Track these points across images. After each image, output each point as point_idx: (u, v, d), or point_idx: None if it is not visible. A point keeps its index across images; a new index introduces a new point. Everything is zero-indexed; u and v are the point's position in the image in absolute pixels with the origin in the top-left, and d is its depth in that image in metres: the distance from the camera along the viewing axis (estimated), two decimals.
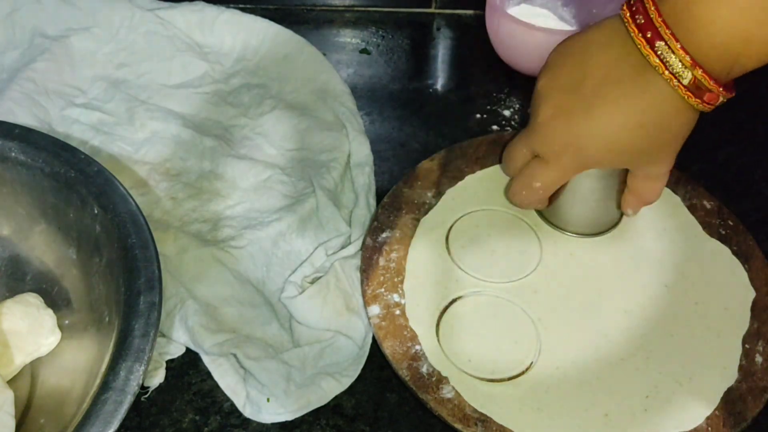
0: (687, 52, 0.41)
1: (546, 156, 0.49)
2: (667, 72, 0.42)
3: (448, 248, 0.54)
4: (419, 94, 0.69)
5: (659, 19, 0.42)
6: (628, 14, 0.43)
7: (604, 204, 0.53)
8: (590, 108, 0.46)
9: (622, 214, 0.56)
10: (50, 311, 0.46)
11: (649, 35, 0.42)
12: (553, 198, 0.53)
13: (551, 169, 0.49)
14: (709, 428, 0.45)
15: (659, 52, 0.42)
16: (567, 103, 0.47)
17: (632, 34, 0.43)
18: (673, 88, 0.43)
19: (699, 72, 0.41)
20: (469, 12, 0.77)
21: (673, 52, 0.41)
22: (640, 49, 0.43)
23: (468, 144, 0.61)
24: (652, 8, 0.42)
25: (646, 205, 0.53)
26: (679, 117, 0.44)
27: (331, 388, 0.47)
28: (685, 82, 0.42)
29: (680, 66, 0.42)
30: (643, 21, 0.42)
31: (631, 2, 0.43)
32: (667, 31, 0.41)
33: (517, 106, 0.67)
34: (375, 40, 0.74)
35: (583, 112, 0.46)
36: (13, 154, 0.47)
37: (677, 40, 0.41)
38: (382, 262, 0.52)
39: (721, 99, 0.43)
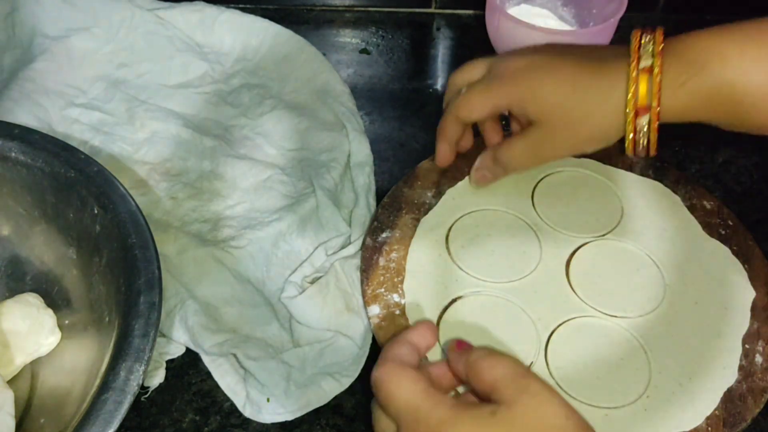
0: (662, 49, 0.44)
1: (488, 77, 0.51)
2: (634, 46, 0.44)
3: (448, 248, 0.54)
4: (419, 94, 0.69)
5: (660, 36, 0.45)
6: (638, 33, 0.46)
7: None
8: (552, 61, 0.49)
9: (621, 216, 0.56)
10: (50, 311, 0.46)
11: (641, 33, 0.45)
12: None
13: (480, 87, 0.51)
14: (709, 428, 0.45)
15: (642, 40, 0.45)
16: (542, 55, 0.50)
17: (632, 38, 0.46)
18: (629, 70, 0.44)
19: (657, 67, 0.43)
20: (469, 12, 0.77)
21: (654, 42, 0.44)
22: (630, 41, 0.45)
23: None
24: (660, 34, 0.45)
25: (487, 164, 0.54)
26: (602, 107, 0.46)
27: (331, 388, 0.47)
28: (642, 65, 0.44)
29: (650, 49, 0.44)
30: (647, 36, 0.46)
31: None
32: (660, 37, 0.45)
33: None
34: (375, 40, 0.74)
35: (545, 62, 0.49)
36: (13, 154, 0.47)
37: (662, 43, 0.44)
38: (382, 262, 0.52)
39: (645, 128, 0.45)
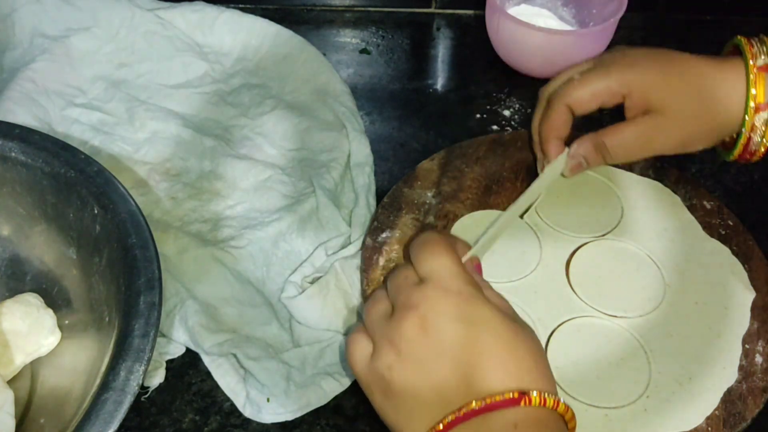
0: None
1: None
2: (746, 46, 0.45)
3: None
4: (419, 94, 0.69)
5: None
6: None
7: None
8: (673, 52, 0.49)
9: (621, 216, 0.56)
10: (50, 311, 0.46)
11: (745, 37, 0.47)
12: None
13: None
14: (709, 428, 0.45)
15: (752, 41, 0.46)
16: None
17: (738, 40, 0.47)
18: (747, 66, 0.45)
19: None
20: (469, 12, 0.77)
21: (764, 43, 0.45)
22: (739, 42, 0.47)
23: (468, 144, 0.61)
24: None
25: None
26: (725, 102, 0.45)
27: (331, 388, 0.47)
28: (759, 62, 0.44)
29: (765, 49, 0.45)
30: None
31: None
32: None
33: (517, 106, 0.67)
34: (375, 40, 0.74)
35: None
36: (13, 154, 0.47)
37: None
38: (382, 262, 0.52)
39: (763, 127, 0.45)
